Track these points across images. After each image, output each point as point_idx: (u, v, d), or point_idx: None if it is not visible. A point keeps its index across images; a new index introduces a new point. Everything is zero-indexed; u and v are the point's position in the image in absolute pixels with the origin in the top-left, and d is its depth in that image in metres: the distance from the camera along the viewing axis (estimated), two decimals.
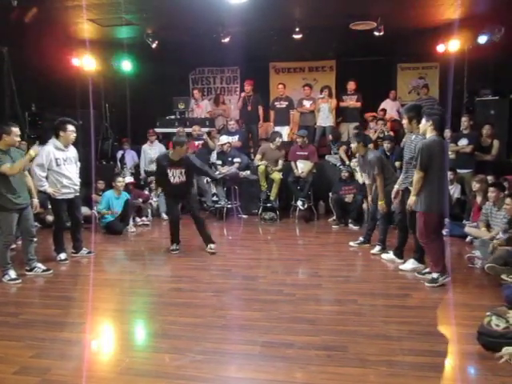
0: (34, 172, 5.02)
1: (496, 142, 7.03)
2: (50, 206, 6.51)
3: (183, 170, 5.52)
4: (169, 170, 5.49)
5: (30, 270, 4.78)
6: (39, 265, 4.86)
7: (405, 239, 5.02)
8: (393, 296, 4.05)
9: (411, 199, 4.30)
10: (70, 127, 5.16)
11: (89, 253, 5.60)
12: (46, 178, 5.10)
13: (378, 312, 3.68)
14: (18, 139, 4.61)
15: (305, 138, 7.71)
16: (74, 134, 5.23)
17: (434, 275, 4.25)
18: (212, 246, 5.63)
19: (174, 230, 5.72)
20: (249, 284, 4.46)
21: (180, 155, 5.46)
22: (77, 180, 5.34)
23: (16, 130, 4.51)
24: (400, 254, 5.04)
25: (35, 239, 4.98)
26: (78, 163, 5.43)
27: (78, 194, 5.40)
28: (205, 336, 3.25)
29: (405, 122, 4.74)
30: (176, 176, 5.52)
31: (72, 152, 5.31)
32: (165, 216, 7.83)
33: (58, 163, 5.13)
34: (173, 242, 5.74)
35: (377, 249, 5.45)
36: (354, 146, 5.63)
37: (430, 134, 4.19)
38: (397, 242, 5.10)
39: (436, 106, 8.28)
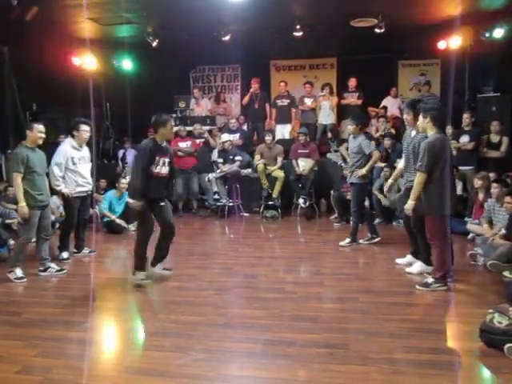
0: (51, 171, 5.07)
1: (505, 139, 6.99)
2: (57, 205, 6.55)
3: (167, 160, 4.46)
4: (157, 158, 4.34)
5: (44, 271, 4.76)
6: (53, 265, 4.85)
7: (416, 239, 4.72)
8: (395, 294, 4.04)
9: (410, 204, 4.09)
10: (83, 127, 5.26)
11: (91, 252, 5.61)
12: (63, 177, 5.15)
13: (380, 310, 3.67)
14: (42, 135, 4.66)
15: (306, 136, 7.72)
16: (88, 134, 5.33)
17: (429, 280, 4.11)
18: (161, 266, 4.64)
19: (144, 250, 4.39)
20: (250, 282, 4.46)
21: (165, 138, 4.48)
22: (90, 179, 5.43)
23: (38, 126, 4.62)
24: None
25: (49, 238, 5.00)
26: (90, 163, 5.52)
27: (90, 193, 5.48)
28: (207, 334, 3.25)
29: (408, 117, 4.57)
30: (162, 166, 4.40)
31: (86, 151, 5.41)
32: None
33: (74, 162, 5.21)
34: (141, 267, 4.40)
35: (346, 241, 5.70)
36: (352, 127, 5.66)
37: (432, 132, 4.03)
38: (411, 247, 4.87)
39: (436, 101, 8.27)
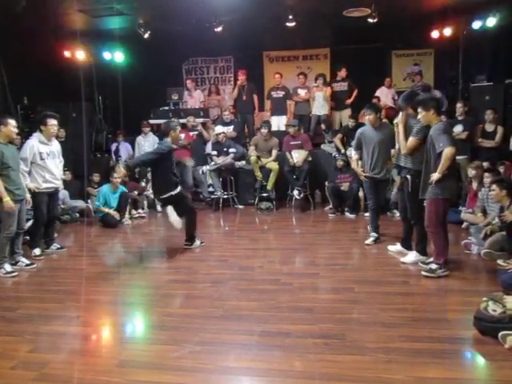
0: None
1: (500, 129, 7.00)
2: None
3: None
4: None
5: (14, 264, 4.74)
6: (23, 259, 4.85)
7: (411, 230, 4.75)
8: (390, 283, 4.06)
9: (436, 175, 3.98)
10: (51, 121, 5.12)
11: (59, 249, 5.46)
12: (29, 172, 5.05)
13: (375, 299, 3.68)
14: (16, 131, 4.62)
15: (297, 127, 7.68)
16: (56, 128, 5.21)
17: (433, 266, 4.17)
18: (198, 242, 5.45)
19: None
20: (246, 274, 4.46)
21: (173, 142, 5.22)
22: (59, 175, 5.33)
23: (12, 121, 4.55)
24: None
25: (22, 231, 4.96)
26: (62, 158, 5.41)
27: (58, 189, 5.40)
28: (203, 327, 3.25)
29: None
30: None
31: (56, 146, 5.29)
32: (160, 208, 7.82)
33: (42, 157, 5.09)
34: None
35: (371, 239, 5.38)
36: (371, 117, 5.24)
37: (436, 121, 4.07)
38: (403, 234, 4.90)
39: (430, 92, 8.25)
